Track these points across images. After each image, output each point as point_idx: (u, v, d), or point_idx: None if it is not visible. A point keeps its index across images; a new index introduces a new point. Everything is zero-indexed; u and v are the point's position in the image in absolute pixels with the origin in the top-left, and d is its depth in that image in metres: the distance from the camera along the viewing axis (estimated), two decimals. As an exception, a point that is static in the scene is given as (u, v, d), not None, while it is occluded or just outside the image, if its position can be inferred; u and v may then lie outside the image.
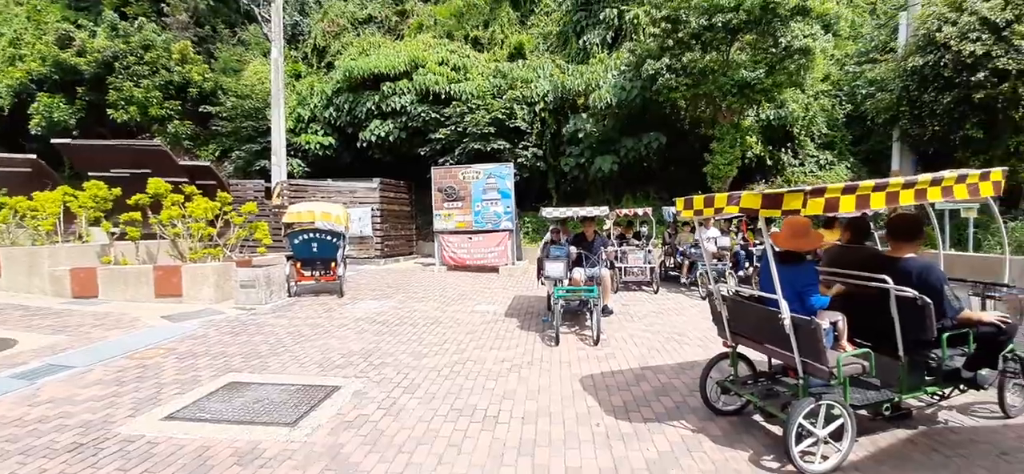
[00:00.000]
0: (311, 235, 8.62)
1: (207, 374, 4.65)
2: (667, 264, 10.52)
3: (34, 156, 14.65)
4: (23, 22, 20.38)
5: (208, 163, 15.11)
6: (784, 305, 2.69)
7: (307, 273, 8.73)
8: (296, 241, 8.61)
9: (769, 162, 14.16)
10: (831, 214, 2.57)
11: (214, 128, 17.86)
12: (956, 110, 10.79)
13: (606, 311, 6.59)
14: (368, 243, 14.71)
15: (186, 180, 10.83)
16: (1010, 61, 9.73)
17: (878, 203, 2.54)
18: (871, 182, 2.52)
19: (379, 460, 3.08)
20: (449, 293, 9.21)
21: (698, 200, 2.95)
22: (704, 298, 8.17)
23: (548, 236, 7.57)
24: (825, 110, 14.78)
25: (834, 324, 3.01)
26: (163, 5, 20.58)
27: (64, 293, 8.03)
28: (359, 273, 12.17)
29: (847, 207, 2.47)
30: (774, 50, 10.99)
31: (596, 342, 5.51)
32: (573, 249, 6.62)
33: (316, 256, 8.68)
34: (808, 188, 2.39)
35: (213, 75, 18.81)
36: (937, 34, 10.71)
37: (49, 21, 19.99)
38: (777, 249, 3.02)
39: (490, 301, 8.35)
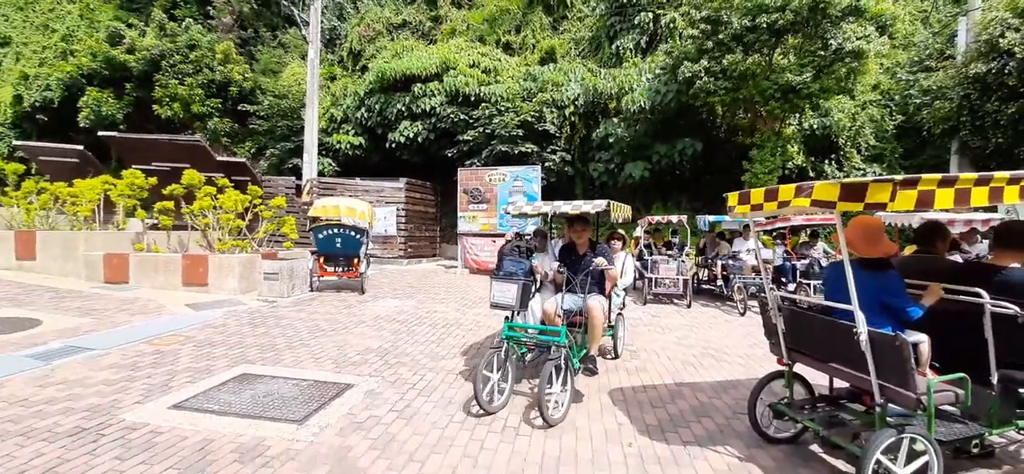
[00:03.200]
0: (335, 230, 8.56)
1: (221, 364, 4.53)
2: (700, 276, 9.97)
3: (81, 147, 15.40)
4: (75, 19, 21.66)
5: (243, 159, 15.50)
6: (861, 318, 2.28)
7: (330, 268, 8.66)
8: (320, 236, 8.57)
9: (812, 173, 13.37)
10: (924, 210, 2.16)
11: (251, 126, 18.38)
12: (1022, 122, 9.88)
13: (588, 368, 4.35)
14: (392, 243, 14.70)
15: (222, 174, 11.06)
16: (1087, 68, 8.82)
17: (979, 199, 2.12)
18: (973, 175, 2.10)
19: (388, 468, 2.82)
20: (470, 296, 8.97)
21: (756, 193, 2.56)
22: (742, 314, 7.64)
23: (505, 243, 5.05)
24: (874, 120, 13.88)
25: (915, 346, 2.57)
26: (209, 8, 21.47)
27: (96, 278, 8.21)
28: (381, 272, 12.11)
29: (944, 203, 2.06)
30: (823, 53, 10.35)
31: (547, 423, 3.34)
32: (544, 263, 4.40)
33: (339, 252, 8.61)
34: (898, 178, 2.01)
35: (253, 75, 19.43)
36: (1000, 40, 9.87)
37: (101, 19, 21.17)
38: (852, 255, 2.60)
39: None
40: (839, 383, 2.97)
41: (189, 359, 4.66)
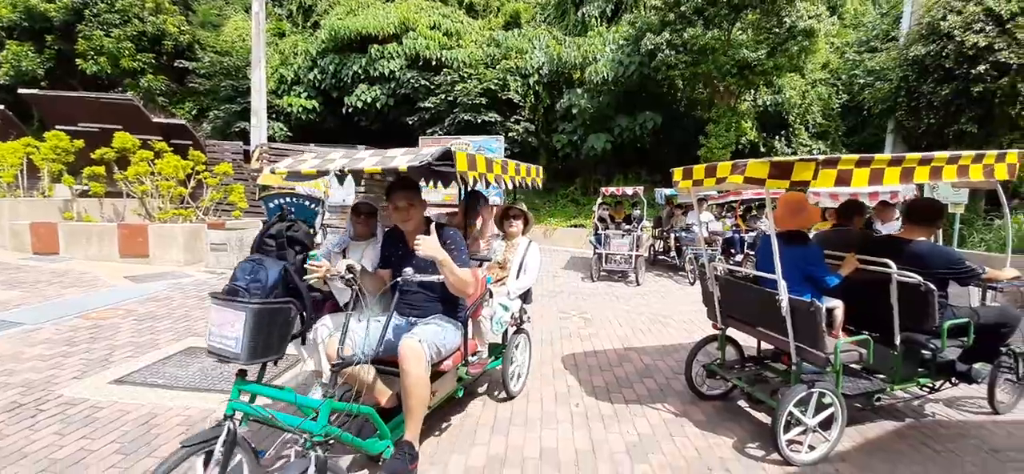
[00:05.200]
0: (288, 199, 8.21)
1: (166, 338, 4.37)
2: (656, 248, 10.35)
3: (2, 106, 13.85)
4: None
5: (184, 122, 14.41)
6: (783, 286, 2.50)
7: (283, 239, 8.36)
8: (271, 204, 8.17)
9: (763, 149, 14.01)
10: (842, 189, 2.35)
11: (191, 85, 17.06)
12: (953, 103, 10.68)
13: (395, 468, 2.17)
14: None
15: (159, 137, 10.28)
16: (1011, 55, 9.58)
17: (892, 179, 2.34)
18: (887, 156, 2.31)
19: (340, 435, 2.86)
20: (432, 266, 8.92)
21: (698, 169, 2.71)
22: (693, 283, 8.03)
23: (272, 226, 2.36)
24: (821, 98, 14.61)
25: (830, 311, 2.83)
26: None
27: (24, 248, 7.60)
28: (341, 242, 11.81)
29: (860, 181, 2.26)
30: (777, 30, 10.70)
31: None
32: (338, 263, 2.16)
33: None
34: (821, 158, 2.18)
35: (190, 28, 17.88)
36: (941, 22, 10.50)
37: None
38: (777, 228, 2.82)
39: (474, 275, 8.09)
40: (766, 345, 3.25)
41: (130, 333, 4.46)
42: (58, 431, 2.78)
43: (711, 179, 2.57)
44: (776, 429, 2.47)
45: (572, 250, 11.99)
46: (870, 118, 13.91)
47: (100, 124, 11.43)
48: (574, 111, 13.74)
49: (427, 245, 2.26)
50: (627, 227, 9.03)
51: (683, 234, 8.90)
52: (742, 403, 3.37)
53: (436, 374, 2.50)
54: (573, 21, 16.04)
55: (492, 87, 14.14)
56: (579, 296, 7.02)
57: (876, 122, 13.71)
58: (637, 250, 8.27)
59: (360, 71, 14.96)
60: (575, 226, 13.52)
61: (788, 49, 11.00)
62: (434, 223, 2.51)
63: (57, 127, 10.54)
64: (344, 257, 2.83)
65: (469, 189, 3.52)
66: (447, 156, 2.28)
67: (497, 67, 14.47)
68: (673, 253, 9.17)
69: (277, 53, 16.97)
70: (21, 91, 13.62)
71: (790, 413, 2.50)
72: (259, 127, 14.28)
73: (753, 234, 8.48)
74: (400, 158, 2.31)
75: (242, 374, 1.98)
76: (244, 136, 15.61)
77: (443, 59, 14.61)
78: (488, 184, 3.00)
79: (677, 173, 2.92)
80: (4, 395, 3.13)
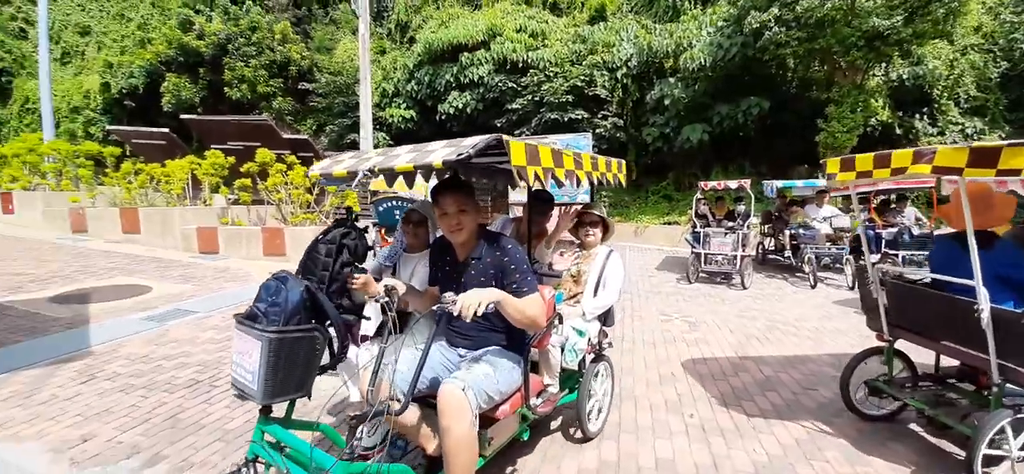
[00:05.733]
0: (393, 202, 8.88)
1: (304, 328, 4.92)
2: (766, 246, 9.43)
3: (167, 130, 16.81)
4: (148, 8, 23.39)
5: (306, 137, 16.25)
6: (983, 294, 2.08)
7: (390, 239, 9.06)
8: (380, 208, 8.93)
9: (899, 130, 12.08)
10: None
11: (311, 104, 19.20)
12: None
13: None
14: (445, 214, 15.02)
15: (289, 151, 11.71)
16: None
17: None
18: None
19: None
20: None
21: (863, 159, 2.28)
22: (813, 286, 7.19)
23: (331, 230, 2.07)
24: (976, 68, 12.21)
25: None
26: (265, -12, 22.31)
27: (191, 249, 9.12)
28: (437, 242, 12.46)
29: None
30: (918, -8, 9.14)
31: None
32: (398, 277, 2.48)
33: (397, 223, 8.97)
34: (1041, 137, 1.77)
35: (309, 54, 20.16)
36: None
37: (172, 6, 22.66)
38: (952, 228, 2.36)
39: (568, 275, 8.03)
40: (947, 361, 2.76)
41: (276, 323, 5.10)
42: (229, 405, 3.25)
43: (884, 170, 2.18)
44: (974, 459, 2.08)
45: (665, 249, 11.38)
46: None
47: (244, 142, 13.32)
48: (666, 102, 13.02)
49: (466, 305, 1.66)
50: (730, 224, 8.28)
51: (801, 232, 7.98)
52: (914, 426, 2.90)
53: (489, 420, 2.01)
54: (663, 7, 15.23)
55: (578, 84, 13.95)
56: (679, 297, 6.64)
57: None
58: (743, 249, 7.55)
59: (452, 79, 15.68)
60: (668, 223, 12.82)
61: (931, 13, 9.32)
62: (488, 231, 2.12)
63: (212, 146, 12.52)
64: (394, 273, 2.56)
65: (532, 189, 2.78)
66: (498, 147, 1.76)
67: (583, 63, 14.25)
68: (788, 252, 8.27)
69: (379, 69, 18.45)
70: (182, 117, 16.42)
71: (990, 441, 2.09)
72: (366, 138, 15.62)
73: (893, 230, 7.33)
74: (438, 152, 1.79)
75: (266, 411, 1.72)
76: (354, 147, 17.22)
77: (529, 60, 14.75)
78: (572, 181, 2.49)
79: (832, 164, 2.53)
80: (185, 373, 3.72)
